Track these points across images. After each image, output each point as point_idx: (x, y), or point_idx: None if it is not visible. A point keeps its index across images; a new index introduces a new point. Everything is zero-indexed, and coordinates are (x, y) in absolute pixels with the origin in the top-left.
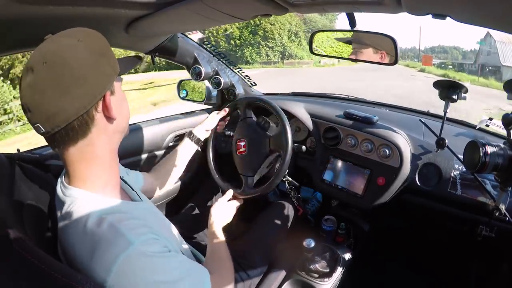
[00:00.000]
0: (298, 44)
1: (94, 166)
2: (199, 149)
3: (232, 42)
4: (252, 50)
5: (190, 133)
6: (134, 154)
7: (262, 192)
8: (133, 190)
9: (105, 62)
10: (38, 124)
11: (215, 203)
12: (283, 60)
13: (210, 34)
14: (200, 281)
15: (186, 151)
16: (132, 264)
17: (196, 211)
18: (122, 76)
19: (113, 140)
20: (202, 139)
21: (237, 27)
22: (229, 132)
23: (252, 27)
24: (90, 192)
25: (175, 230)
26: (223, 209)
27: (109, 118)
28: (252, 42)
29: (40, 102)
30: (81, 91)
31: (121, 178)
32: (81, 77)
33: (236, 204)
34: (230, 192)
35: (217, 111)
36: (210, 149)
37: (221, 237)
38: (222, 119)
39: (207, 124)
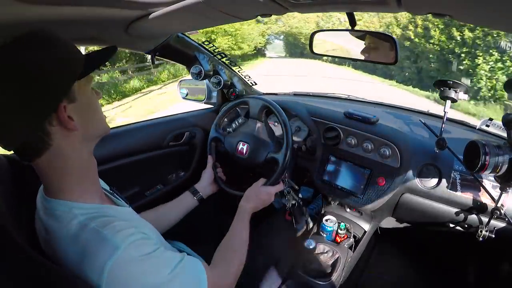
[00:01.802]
0: None
1: (67, 176)
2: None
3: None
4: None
5: (194, 190)
6: (134, 154)
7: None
8: (118, 197)
9: (60, 68)
10: None
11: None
12: None
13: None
14: (196, 276)
15: (186, 208)
16: (122, 269)
17: (197, 210)
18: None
19: (83, 149)
20: (206, 197)
21: None
22: (229, 129)
23: None
24: (69, 201)
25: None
26: (257, 193)
27: (69, 130)
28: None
29: None
30: (29, 108)
31: (109, 189)
32: (28, 94)
33: (273, 190)
34: (262, 180)
35: (210, 166)
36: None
37: (245, 223)
38: (217, 166)
39: (207, 179)
